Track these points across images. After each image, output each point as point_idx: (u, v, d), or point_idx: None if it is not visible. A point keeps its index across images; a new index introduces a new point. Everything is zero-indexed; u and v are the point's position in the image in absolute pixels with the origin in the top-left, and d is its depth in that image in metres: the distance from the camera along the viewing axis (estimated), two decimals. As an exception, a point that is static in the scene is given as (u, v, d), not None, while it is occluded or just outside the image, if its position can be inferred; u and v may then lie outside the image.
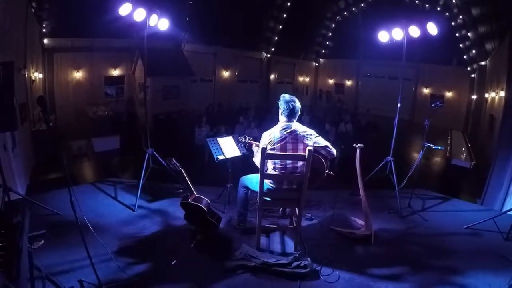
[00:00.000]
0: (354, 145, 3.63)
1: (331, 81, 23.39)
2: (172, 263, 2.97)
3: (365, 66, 21.42)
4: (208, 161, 8.52)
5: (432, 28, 4.09)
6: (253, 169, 3.40)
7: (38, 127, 8.39)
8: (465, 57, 16.22)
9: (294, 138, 3.00)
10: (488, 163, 8.08)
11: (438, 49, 16.15)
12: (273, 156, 2.97)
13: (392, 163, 4.74)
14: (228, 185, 4.21)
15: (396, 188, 4.51)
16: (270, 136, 3.03)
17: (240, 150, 4.13)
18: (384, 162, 4.86)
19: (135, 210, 3.99)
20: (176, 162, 3.27)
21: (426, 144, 4.35)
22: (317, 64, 23.87)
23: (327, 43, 22.66)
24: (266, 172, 3.06)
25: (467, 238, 3.68)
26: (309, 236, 3.49)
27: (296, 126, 3.06)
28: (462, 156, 8.07)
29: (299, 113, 3.10)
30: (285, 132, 3.01)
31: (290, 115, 3.04)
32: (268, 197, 3.10)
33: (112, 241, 3.25)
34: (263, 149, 2.83)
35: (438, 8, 13.95)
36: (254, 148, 3.43)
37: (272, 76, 20.52)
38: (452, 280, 2.90)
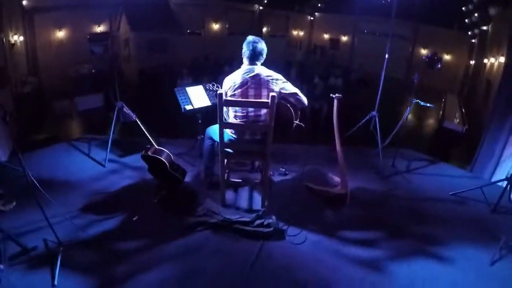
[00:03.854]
0: (331, 95, 3.28)
1: (326, 36, 22.07)
2: (134, 219, 2.83)
3: (361, 23, 20.22)
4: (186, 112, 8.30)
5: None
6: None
7: (20, 90, 8.05)
8: (466, 20, 15.46)
9: (257, 83, 2.66)
10: (481, 129, 7.84)
11: (439, 11, 15.37)
12: (231, 103, 2.68)
13: (376, 118, 4.42)
14: (198, 137, 3.96)
15: (379, 145, 4.25)
16: (231, 81, 2.71)
17: (210, 100, 3.80)
18: (368, 117, 4.54)
19: (105, 165, 3.82)
20: (128, 111, 2.97)
21: (414, 101, 4.06)
22: (312, 18, 22.35)
23: (324, -4, 21.17)
24: (227, 121, 2.81)
25: (451, 205, 3.40)
26: (280, 193, 3.28)
27: (260, 69, 2.71)
28: (455, 119, 7.85)
29: (263, 55, 2.73)
30: (247, 76, 2.66)
31: (252, 57, 2.69)
32: (230, 149, 2.84)
33: (80, 198, 3.11)
34: (220, 95, 2.51)
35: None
36: None
37: (264, 29, 19.17)
38: (429, 250, 2.64)
